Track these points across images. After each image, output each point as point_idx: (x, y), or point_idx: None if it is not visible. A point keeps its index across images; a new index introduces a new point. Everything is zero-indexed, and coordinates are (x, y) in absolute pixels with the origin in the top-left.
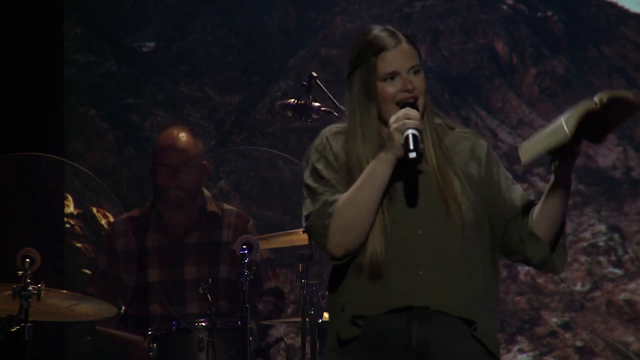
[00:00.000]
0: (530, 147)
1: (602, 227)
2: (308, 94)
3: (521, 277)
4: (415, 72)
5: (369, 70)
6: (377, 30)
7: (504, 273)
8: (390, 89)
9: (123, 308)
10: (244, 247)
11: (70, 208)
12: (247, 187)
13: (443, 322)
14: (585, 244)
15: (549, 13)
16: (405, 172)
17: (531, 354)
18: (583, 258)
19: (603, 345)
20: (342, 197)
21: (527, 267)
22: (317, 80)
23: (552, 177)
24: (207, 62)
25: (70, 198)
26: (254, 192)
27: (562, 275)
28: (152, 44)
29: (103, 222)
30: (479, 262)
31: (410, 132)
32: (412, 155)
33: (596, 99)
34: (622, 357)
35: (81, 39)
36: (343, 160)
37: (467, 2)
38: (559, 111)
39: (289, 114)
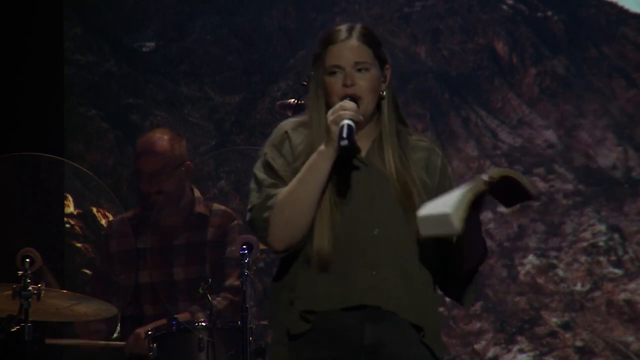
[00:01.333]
0: (427, 225)
1: (602, 227)
2: (308, 94)
3: (521, 277)
4: (361, 70)
5: (320, 64)
6: (338, 26)
7: (504, 273)
8: (334, 83)
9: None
10: (244, 247)
11: (70, 208)
12: (247, 187)
13: (395, 323)
14: (585, 244)
15: (549, 13)
16: (362, 172)
17: (531, 354)
18: (583, 258)
19: (603, 345)
20: (283, 191)
21: (527, 267)
22: None
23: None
24: (207, 62)
25: (70, 198)
26: None
27: (562, 275)
28: (152, 44)
29: (103, 222)
30: (430, 267)
31: (345, 122)
32: (344, 143)
33: (486, 177)
34: (622, 357)
35: (81, 39)
36: (302, 153)
37: (467, 2)
38: (559, 111)
39: (289, 114)
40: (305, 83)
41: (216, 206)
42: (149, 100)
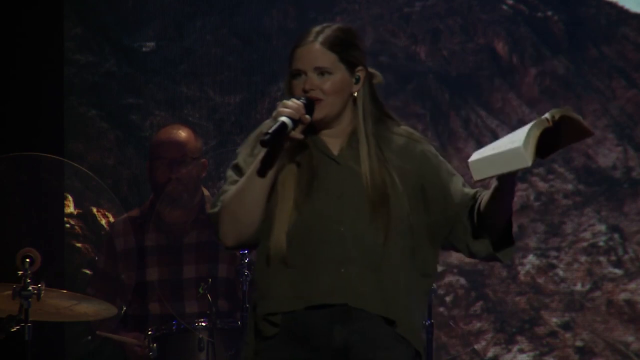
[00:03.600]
0: (484, 168)
1: (602, 227)
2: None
3: (521, 277)
4: (322, 74)
5: (288, 65)
6: (314, 26)
7: (504, 273)
8: (296, 86)
9: (124, 309)
10: None
11: (70, 208)
12: None
13: (364, 321)
14: (585, 244)
15: (549, 13)
16: (332, 169)
17: (531, 354)
18: (583, 258)
19: (603, 345)
20: (232, 188)
21: (527, 267)
22: None
23: (496, 182)
24: (207, 62)
25: (70, 198)
26: None
27: (562, 275)
28: (152, 44)
29: (103, 222)
30: (403, 259)
31: (281, 119)
32: (264, 137)
33: (548, 115)
34: (622, 357)
35: (81, 39)
36: None
37: (467, 2)
38: None
39: None
40: None
41: None
42: (149, 100)
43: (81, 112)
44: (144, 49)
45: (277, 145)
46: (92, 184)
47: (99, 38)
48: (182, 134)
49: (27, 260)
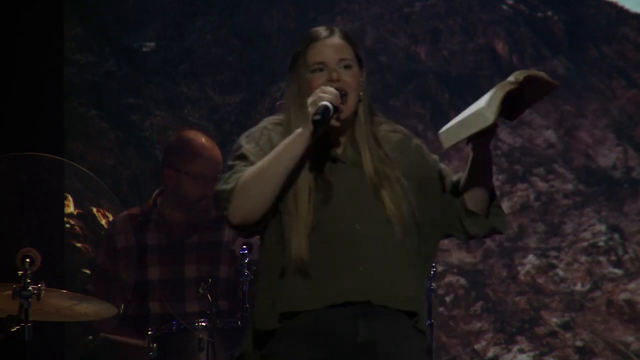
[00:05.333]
0: (452, 134)
1: (602, 227)
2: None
3: (521, 277)
4: (346, 67)
5: (301, 62)
6: (318, 27)
7: (504, 273)
8: (318, 80)
9: (122, 306)
10: (244, 247)
11: (70, 208)
12: None
13: (387, 317)
14: (585, 244)
15: (549, 13)
16: (339, 169)
17: (531, 354)
18: (583, 258)
19: (603, 345)
20: (250, 168)
21: (527, 267)
22: None
23: (472, 153)
24: (207, 62)
25: (70, 198)
26: None
27: (562, 275)
28: (152, 44)
29: (103, 222)
30: (415, 254)
31: (323, 103)
32: (316, 117)
33: (512, 78)
34: (622, 357)
35: (81, 39)
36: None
37: (467, 2)
38: (559, 111)
39: None
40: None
41: None
42: (149, 100)
43: (81, 112)
44: (144, 49)
45: (324, 126)
46: (92, 184)
47: (99, 38)
48: (218, 151)
49: (27, 260)
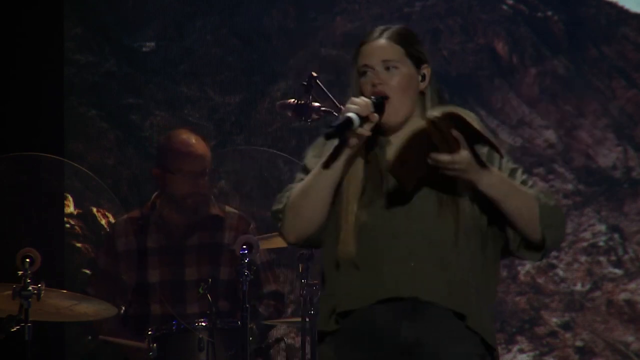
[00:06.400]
0: None
1: (602, 227)
2: (308, 94)
3: (521, 277)
4: (390, 68)
5: (354, 65)
6: (375, 27)
7: (504, 273)
8: (365, 84)
9: (123, 309)
10: (244, 247)
11: (70, 208)
12: (247, 187)
13: (434, 315)
14: (585, 244)
15: (549, 13)
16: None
17: (531, 354)
18: (583, 258)
19: (603, 345)
20: (299, 185)
21: (527, 267)
22: (317, 80)
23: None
24: (207, 62)
25: (70, 198)
26: (254, 193)
27: (562, 275)
28: (152, 44)
29: (103, 222)
30: (472, 258)
31: (347, 114)
32: (327, 130)
33: (432, 115)
34: (622, 357)
35: (81, 39)
36: None
37: (467, 2)
38: (559, 111)
39: (289, 114)
40: (305, 83)
41: (229, 208)
42: (149, 100)
43: (81, 112)
44: (144, 49)
45: (341, 139)
46: (92, 184)
47: (99, 38)
48: (203, 146)
49: (27, 260)
